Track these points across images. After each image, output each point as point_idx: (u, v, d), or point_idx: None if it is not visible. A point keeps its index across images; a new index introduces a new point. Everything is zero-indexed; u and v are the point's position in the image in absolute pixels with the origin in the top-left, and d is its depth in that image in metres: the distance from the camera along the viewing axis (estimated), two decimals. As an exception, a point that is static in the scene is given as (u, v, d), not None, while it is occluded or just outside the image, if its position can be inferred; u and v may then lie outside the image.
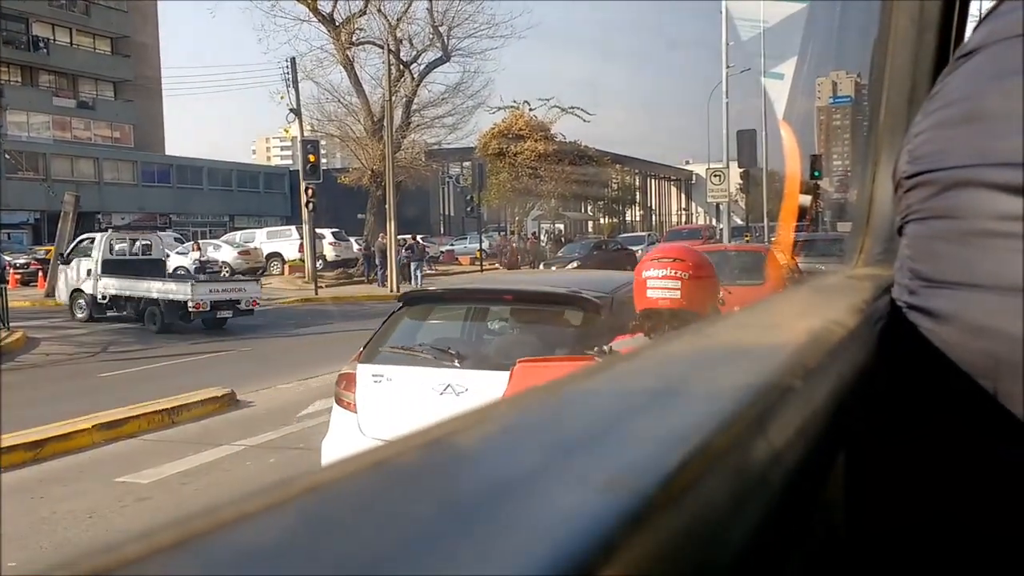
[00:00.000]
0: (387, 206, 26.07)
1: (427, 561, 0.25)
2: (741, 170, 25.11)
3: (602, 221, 52.84)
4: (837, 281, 1.21)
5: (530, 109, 40.51)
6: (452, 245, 41.49)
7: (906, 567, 0.83)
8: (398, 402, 4.60)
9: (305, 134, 28.48)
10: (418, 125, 32.26)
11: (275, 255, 32.14)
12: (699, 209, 61.49)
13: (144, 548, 0.25)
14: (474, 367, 4.56)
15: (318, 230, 31.43)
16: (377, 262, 27.32)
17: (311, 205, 24.25)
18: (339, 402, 4.88)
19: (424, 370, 4.64)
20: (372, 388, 4.72)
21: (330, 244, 32.78)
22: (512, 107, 40.34)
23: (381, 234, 26.92)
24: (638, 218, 58.02)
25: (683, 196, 65.96)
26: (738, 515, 0.39)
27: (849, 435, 0.75)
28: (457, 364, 4.61)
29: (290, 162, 65.85)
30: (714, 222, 36.12)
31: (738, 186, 27.58)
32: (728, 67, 24.76)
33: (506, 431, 0.39)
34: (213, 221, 50.25)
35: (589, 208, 52.18)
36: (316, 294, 24.02)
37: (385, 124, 26.68)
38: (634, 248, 33.16)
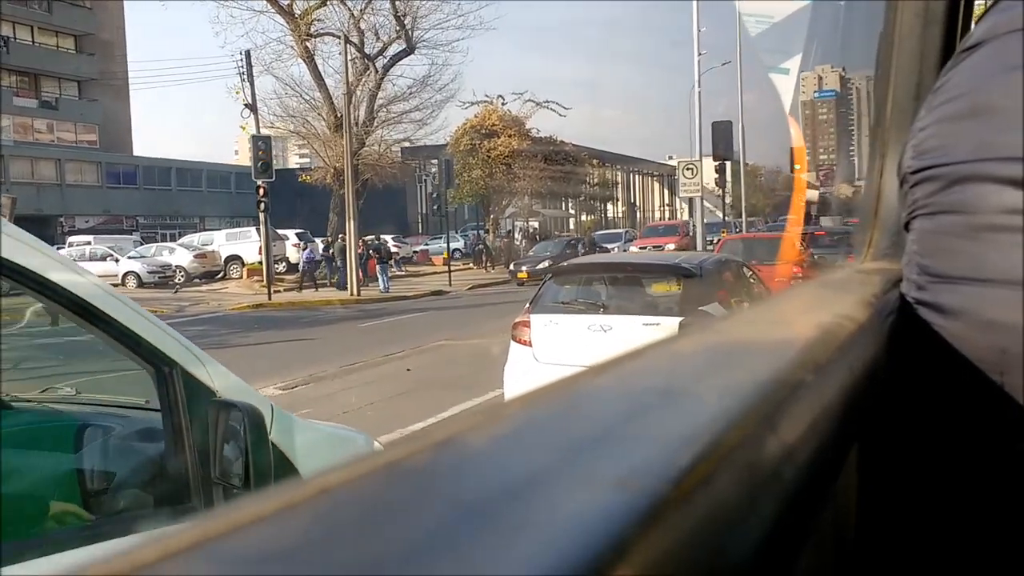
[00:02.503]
0: (347, 205, 24.82)
1: (440, 562, 0.25)
2: (716, 163, 23.92)
3: (582, 218, 51.65)
4: (846, 275, 1.20)
5: (503, 104, 39.29)
6: (427, 245, 40.22)
7: (919, 560, 0.84)
8: (564, 337, 6.55)
9: (264, 131, 27.13)
10: (384, 121, 30.97)
11: (234, 258, 30.69)
12: (683, 205, 60.46)
13: (158, 551, 0.25)
14: (612, 313, 6.67)
15: (281, 231, 30.07)
16: (338, 264, 26.06)
17: (262, 205, 22.92)
18: (516, 340, 6.84)
19: (578, 316, 6.75)
20: (543, 328, 6.71)
21: (294, 246, 31.44)
22: (485, 102, 39.12)
23: (341, 235, 25.66)
24: (621, 214, 56.89)
25: (666, 191, 64.91)
26: (751, 512, 0.39)
27: (860, 429, 0.75)
28: (602, 312, 6.76)
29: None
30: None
31: (715, 180, 26.37)
32: (700, 54, 23.55)
33: (517, 431, 0.39)
34: (183, 223, 48.83)
35: (569, 205, 50.97)
36: (270, 299, 22.73)
37: (344, 119, 25.40)
38: (610, 246, 31.87)
